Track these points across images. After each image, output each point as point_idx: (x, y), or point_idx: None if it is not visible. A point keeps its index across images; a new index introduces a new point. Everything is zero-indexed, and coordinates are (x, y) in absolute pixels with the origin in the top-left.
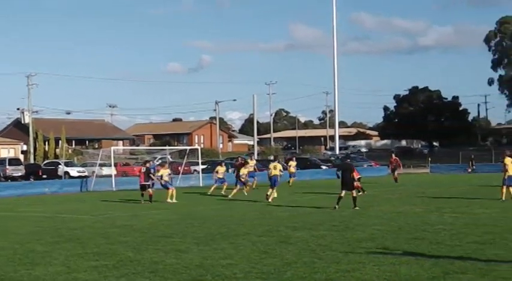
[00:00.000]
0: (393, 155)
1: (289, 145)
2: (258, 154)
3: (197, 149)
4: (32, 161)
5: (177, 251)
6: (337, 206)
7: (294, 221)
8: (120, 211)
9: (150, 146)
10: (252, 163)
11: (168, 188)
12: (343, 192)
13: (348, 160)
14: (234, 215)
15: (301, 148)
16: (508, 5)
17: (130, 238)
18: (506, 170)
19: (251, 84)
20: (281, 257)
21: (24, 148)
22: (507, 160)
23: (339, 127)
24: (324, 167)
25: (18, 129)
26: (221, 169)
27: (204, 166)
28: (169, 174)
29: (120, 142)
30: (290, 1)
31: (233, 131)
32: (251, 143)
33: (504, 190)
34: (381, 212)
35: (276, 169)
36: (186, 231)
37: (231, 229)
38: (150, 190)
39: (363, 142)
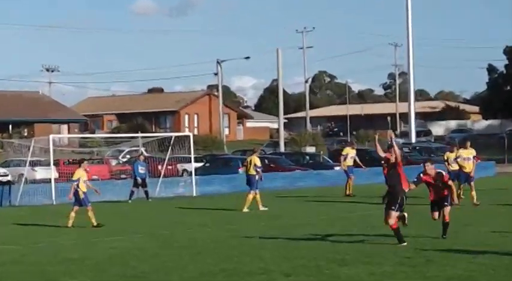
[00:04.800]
0: None
1: (335, 129)
2: (285, 144)
3: (188, 136)
4: None
5: None
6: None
7: (340, 249)
8: (65, 237)
9: (113, 132)
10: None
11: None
12: (436, 214)
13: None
14: (243, 239)
15: (354, 133)
16: None
17: (82, 278)
18: None
19: (272, 32)
20: None
21: None
22: None
23: (416, 100)
24: None
25: None
26: (257, 160)
27: (200, 164)
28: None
29: (65, 127)
30: None
31: (245, 107)
32: (274, 126)
33: None
34: (479, 233)
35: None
36: (170, 267)
37: (240, 262)
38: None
39: (453, 123)
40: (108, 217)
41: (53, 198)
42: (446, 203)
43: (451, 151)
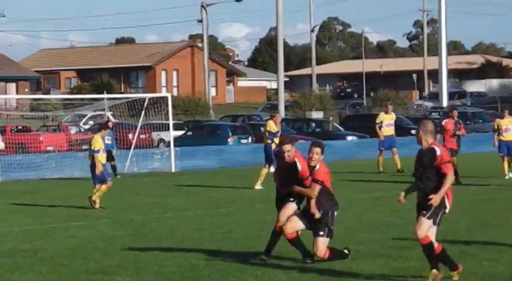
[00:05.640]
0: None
1: (348, 90)
2: (286, 108)
3: (166, 98)
4: None
5: None
6: None
7: (354, 238)
8: (14, 223)
9: (72, 93)
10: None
11: (104, 182)
12: None
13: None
14: (234, 226)
15: (371, 94)
16: None
17: (33, 276)
18: None
19: None
20: None
21: None
22: None
23: (449, 54)
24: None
25: None
26: (272, 125)
27: (181, 132)
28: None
29: (12, 85)
30: None
31: (237, 62)
32: (273, 86)
33: None
34: None
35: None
36: (142, 261)
37: (229, 255)
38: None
39: (494, 81)
40: (68, 198)
41: None
42: None
43: (502, 117)
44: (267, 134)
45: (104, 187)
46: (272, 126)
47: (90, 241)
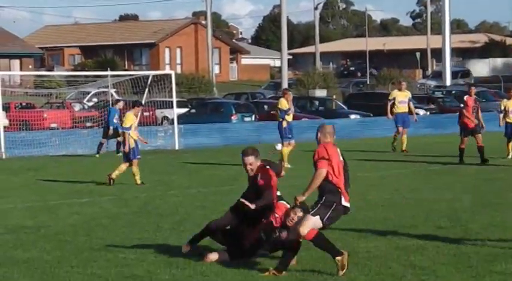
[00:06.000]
0: None
1: (352, 68)
2: (289, 86)
3: (169, 75)
4: None
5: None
6: None
7: (357, 217)
8: (18, 200)
9: (76, 70)
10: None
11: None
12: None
13: None
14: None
15: (374, 72)
16: None
17: (36, 252)
18: None
19: None
20: None
21: None
22: None
23: (452, 33)
24: (421, 113)
25: None
26: (284, 103)
27: (184, 110)
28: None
29: (16, 62)
30: None
31: (240, 40)
32: (276, 64)
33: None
34: None
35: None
36: (145, 239)
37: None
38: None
39: (498, 60)
40: (71, 175)
41: (2, 150)
42: None
43: (509, 98)
44: (278, 111)
45: (123, 166)
46: (284, 103)
47: (94, 218)
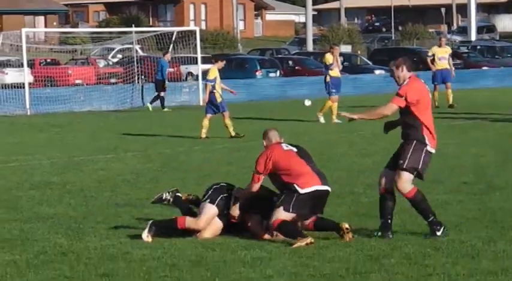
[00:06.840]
0: None
1: (377, 23)
2: (314, 42)
3: (194, 31)
4: None
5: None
6: None
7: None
8: (43, 156)
9: (100, 26)
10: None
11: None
12: None
13: None
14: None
15: (400, 28)
16: None
17: (62, 208)
18: None
19: None
20: None
21: None
22: None
23: None
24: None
25: None
26: (328, 58)
27: (209, 66)
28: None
29: (41, 19)
30: None
31: None
32: (301, 19)
33: None
34: None
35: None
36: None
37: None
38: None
39: None
40: (96, 131)
41: (27, 107)
42: None
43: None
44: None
45: (205, 121)
46: (328, 58)
47: (119, 174)
